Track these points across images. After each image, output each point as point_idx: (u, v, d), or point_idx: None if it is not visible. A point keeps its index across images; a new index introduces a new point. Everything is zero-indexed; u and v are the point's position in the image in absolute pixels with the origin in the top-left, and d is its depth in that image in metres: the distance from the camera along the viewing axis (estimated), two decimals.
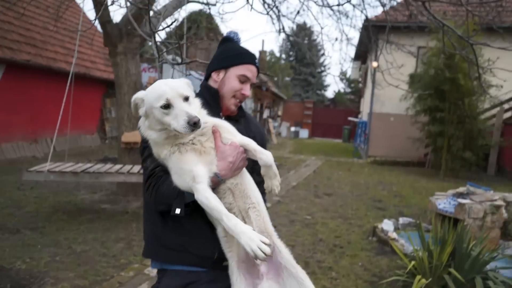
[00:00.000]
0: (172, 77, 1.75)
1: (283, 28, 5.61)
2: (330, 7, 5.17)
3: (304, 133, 27.55)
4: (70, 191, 7.27)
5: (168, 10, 6.84)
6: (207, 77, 1.85)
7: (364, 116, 18.10)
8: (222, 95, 1.77)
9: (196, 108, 1.55)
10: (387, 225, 5.36)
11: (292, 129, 27.75)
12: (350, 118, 22.71)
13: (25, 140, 10.91)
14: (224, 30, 20.40)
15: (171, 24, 2.14)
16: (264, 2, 4.43)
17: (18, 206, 6.14)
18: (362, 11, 6.14)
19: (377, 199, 7.90)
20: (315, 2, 5.07)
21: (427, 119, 11.41)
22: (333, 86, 62.45)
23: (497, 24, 5.05)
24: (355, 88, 34.12)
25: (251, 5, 3.17)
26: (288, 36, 5.73)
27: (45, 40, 11.76)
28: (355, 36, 42.03)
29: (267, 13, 3.32)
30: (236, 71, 1.76)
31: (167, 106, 1.46)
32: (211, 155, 1.55)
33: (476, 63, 3.37)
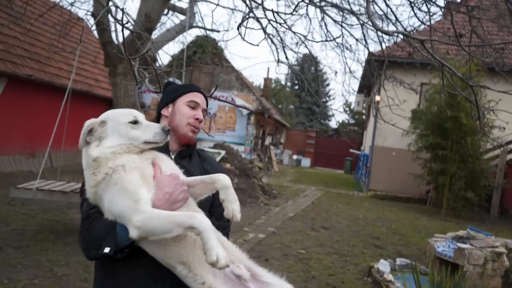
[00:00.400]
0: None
1: (286, 57, 5.57)
2: (319, 41, 5.13)
3: (306, 162, 27.39)
4: (61, 209, 7.11)
5: (171, 34, 6.86)
6: (158, 118, 1.87)
7: (366, 148, 17.99)
8: (176, 126, 1.77)
9: None
10: (383, 265, 5.15)
11: (294, 157, 27.60)
12: (351, 150, 22.59)
13: (23, 154, 10.83)
14: (229, 56, 20.62)
15: (146, 51, 2.07)
16: (264, 32, 4.39)
17: (5, 222, 5.97)
18: (364, 46, 6.10)
19: (375, 236, 7.68)
20: (302, 36, 4.97)
21: (429, 156, 11.28)
22: (337, 116, 62.73)
23: (499, 66, 4.97)
24: (359, 120, 34.16)
25: (243, 37, 3.10)
26: (289, 66, 5.68)
27: (49, 56, 11.82)
28: (359, 69, 42.49)
29: (257, 44, 3.22)
30: (183, 100, 1.79)
31: (136, 122, 1.54)
32: (150, 183, 1.47)
33: (476, 104, 3.25)
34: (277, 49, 6.27)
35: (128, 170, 1.43)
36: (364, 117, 26.51)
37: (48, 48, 11.30)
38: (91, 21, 9.26)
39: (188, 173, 1.68)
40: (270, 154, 21.06)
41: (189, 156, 1.81)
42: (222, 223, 1.70)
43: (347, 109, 37.43)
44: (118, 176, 1.41)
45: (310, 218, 8.93)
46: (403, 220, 9.76)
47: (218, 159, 11.11)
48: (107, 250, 1.40)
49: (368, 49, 6.33)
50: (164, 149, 1.72)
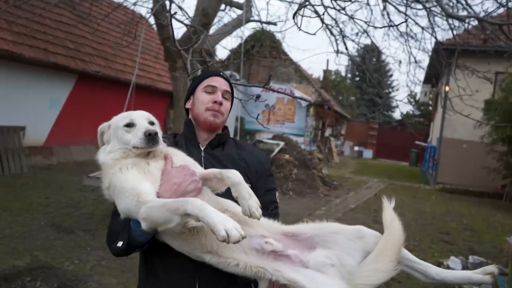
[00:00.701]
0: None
1: (346, 48, 5.33)
2: (382, 27, 4.82)
3: (368, 153, 26.63)
4: None
5: (228, 28, 6.88)
6: (187, 114, 1.83)
7: (433, 140, 17.03)
8: (196, 114, 1.72)
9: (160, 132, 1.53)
10: (454, 263, 4.79)
11: (356, 148, 26.95)
12: (417, 142, 21.49)
13: (93, 144, 11.50)
14: (287, 48, 20.34)
15: (196, 42, 2.04)
16: (321, 21, 4.20)
17: (76, 207, 6.36)
18: (431, 34, 5.70)
19: (444, 231, 7.19)
20: (364, 22, 4.67)
21: (505, 149, 10.37)
22: (401, 107, 60.11)
23: None
24: (425, 111, 32.44)
25: (299, 26, 2.97)
26: (349, 57, 5.42)
27: (115, 53, 12.44)
28: (425, 58, 40.25)
29: (314, 33, 3.05)
30: (200, 87, 1.74)
31: (131, 124, 1.48)
32: (154, 175, 1.42)
33: None
34: (336, 40, 6.02)
35: (124, 170, 1.41)
36: (430, 108, 25.12)
37: (113, 45, 11.92)
38: (152, 19, 9.57)
39: (219, 162, 1.64)
40: (330, 146, 20.66)
41: (222, 145, 1.76)
42: (270, 212, 1.63)
43: (412, 100, 35.73)
44: (116, 178, 1.40)
45: (373, 210, 8.58)
46: (476, 215, 9.07)
47: (277, 150, 11.06)
48: (120, 244, 1.40)
49: (435, 37, 5.90)
50: (193, 140, 1.72)
